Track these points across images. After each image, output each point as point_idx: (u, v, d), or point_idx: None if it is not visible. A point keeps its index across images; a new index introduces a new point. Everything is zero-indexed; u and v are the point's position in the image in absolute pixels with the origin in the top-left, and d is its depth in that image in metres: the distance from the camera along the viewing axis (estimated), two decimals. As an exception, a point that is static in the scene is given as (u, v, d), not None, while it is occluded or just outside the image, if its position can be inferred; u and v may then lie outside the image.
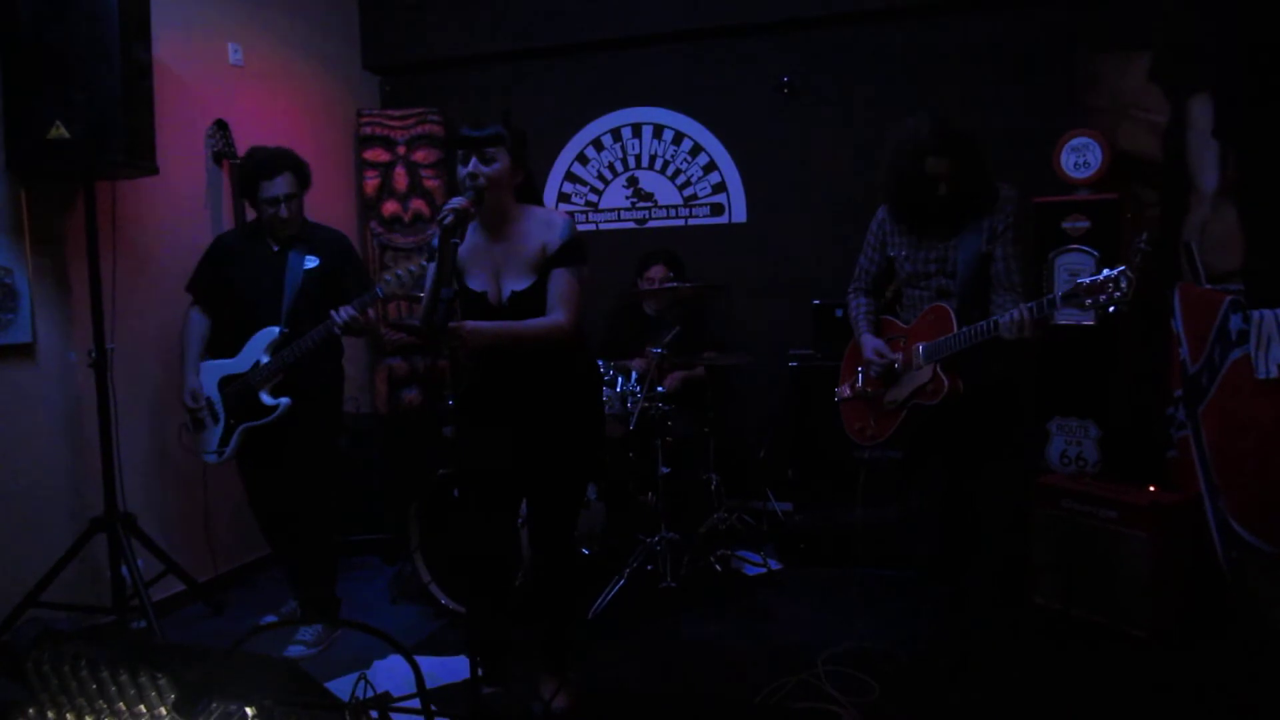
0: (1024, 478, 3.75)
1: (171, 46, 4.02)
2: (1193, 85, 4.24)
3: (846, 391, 3.35)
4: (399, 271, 3.08)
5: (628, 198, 5.41)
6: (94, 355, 3.49)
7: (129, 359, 3.79)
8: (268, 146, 3.56)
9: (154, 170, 3.54)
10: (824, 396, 3.59)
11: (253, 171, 3.46)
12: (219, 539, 4.24)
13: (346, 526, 4.52)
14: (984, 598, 3.29)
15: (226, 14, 4.47)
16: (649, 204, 5.38)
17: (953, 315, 2.97)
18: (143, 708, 1.55)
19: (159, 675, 1.55)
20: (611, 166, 5.43)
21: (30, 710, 1.60)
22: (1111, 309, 2.55)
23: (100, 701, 1.58)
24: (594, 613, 3.76)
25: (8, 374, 3.42)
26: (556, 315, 2.73)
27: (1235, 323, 3.33)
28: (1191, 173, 4.27)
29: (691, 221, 5.31)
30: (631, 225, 5.40)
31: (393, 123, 5.36)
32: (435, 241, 2.55)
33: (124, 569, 3.46)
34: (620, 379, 4.21)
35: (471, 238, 2.81)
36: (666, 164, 5.34)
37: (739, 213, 5.22)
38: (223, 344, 3.60)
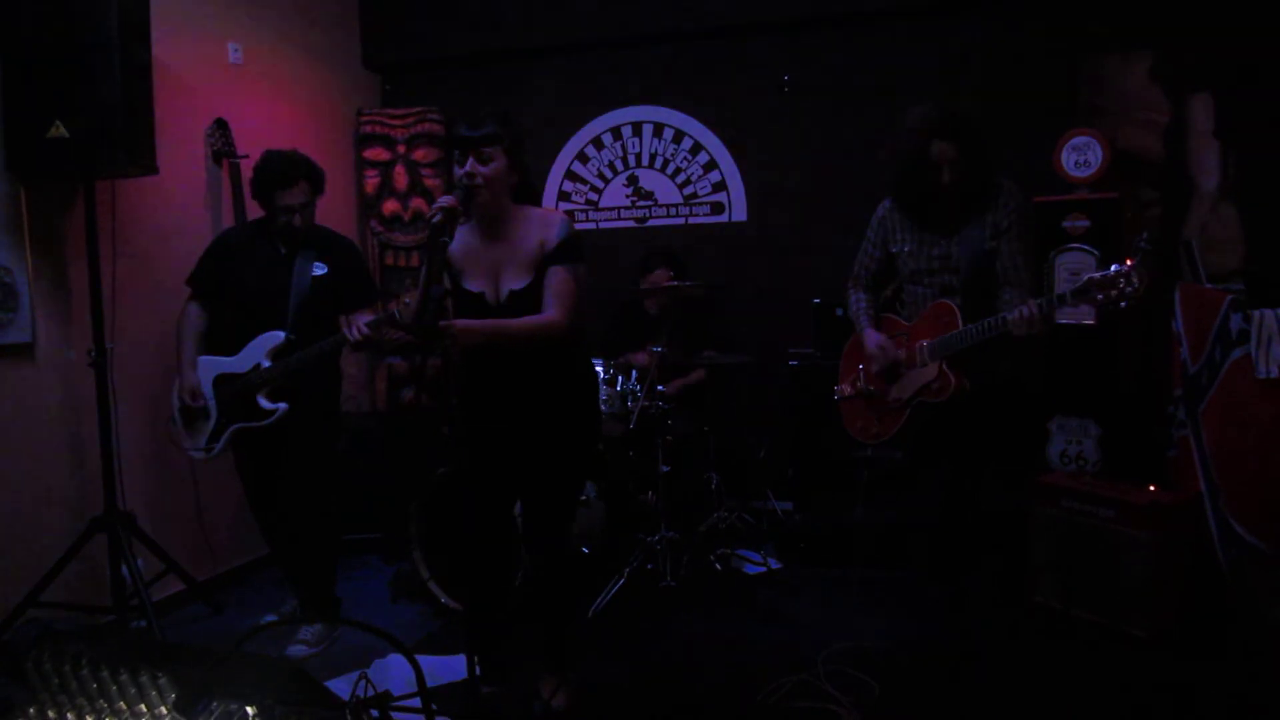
0: (1025, 477, 3.75)
1: (171, 45, 4.01)
2: (1194, 85, 4.24)
3: (847, 390, 3.34)
4: (408, 301, 3.00)
5: (628, 196, 5.41)
6: (94, 355, 3.48)
7: (129, 358, 3.78)
8: (282, 151, 3.48)
9: (154, 169, 3.53)
10: (824, 395, 3.59)
11: (269, 179, 3.41)
12: (218, 538, 4.24)
13: (346, 526, 4.51)
14: (984, 598, 3.28)
15: (226, 13, 4.47)
16: (649, 203, 5.38)
17: (957, 312, 2.96)
18: (143, 707, 1.55)
19: (159, 675, 1.55)
20: (612, 165, 5.43)
21: (30, 710, 1.60)
22: (1123, 304, 2.54)
23: (100, 701, 1.58)
24: (594, 611, 3.76)
25: (7, 374, 3.42)
26: (550, 312, 2.72)
27: (1235, 322, 3.33)
28: (1192, 172, 4.28)
29: (691, 220, 5.31)
30: (631, 224, 5.40)
31: (393, 121, 5.36)
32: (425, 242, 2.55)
33: (124, 568, 3.46)
34: (620, 378, 4.21)
35: (467, 239, 2.80)
36: (667, 162, 5.34)
37: (739, 211, 5.22)
38: (220, 341, 3.57)
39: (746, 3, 4.93)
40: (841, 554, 4.18)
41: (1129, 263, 2.53)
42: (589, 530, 3.95)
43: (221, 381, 3.50)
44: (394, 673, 3.22)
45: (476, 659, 2.49)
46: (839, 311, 4.38)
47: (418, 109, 5.38)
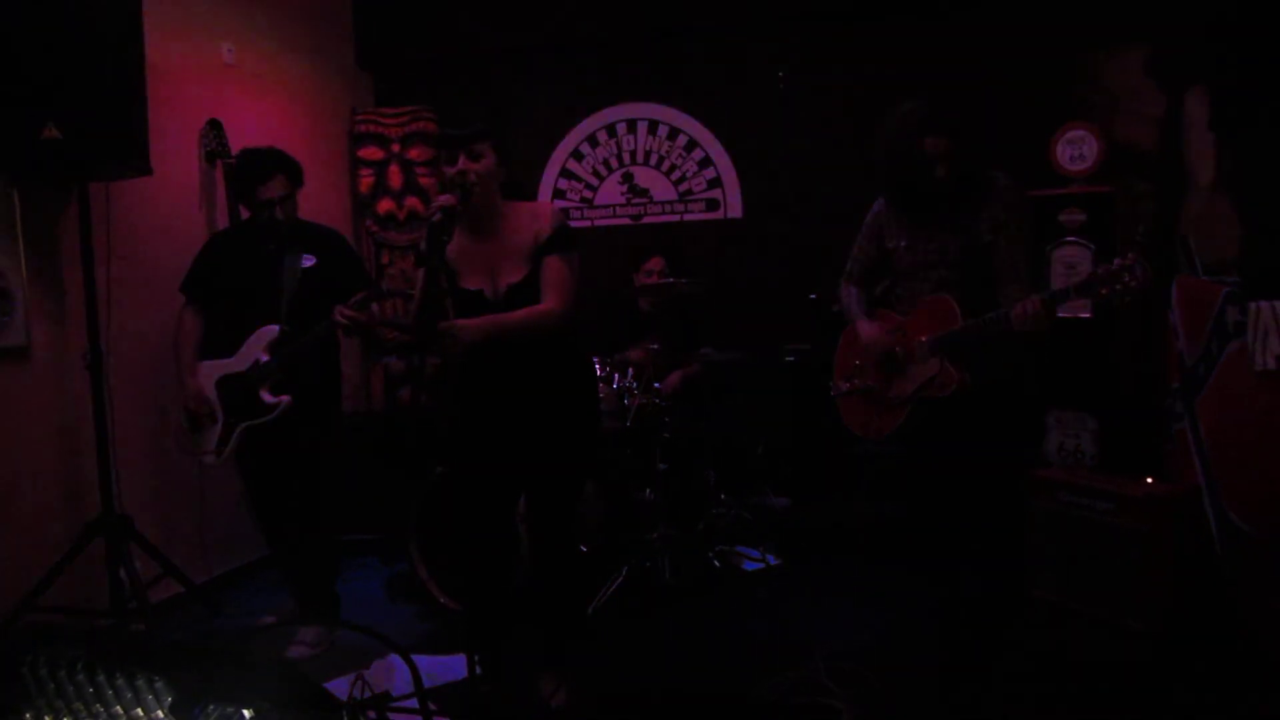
0: (1022, 470, 3.75)
1: (164, 46, 4.00)
2: (1189, 78, 4.24)
3: (844, 386, 3.32)
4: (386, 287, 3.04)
5: (623, 194, 5.41)
6: (89, 357, 3.48)
7: (124, 360, 3.78)
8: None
9: (148, 170, 3.52)
10: (821, 391, 3.58)
11: (246, 175, 3.46)
12: (216, 541, 4.23)
13: (344, 526, 4.51)
14: (982, 592, 3.28)
15: (219, 13, 4.46)
16: (644, 200, 5.38)
17: (956, 307, 2.95)
18: (140, 711, 1.54)
19: (156, 678, 1.54)
20: (606, 162, 5.42)
21: (27, 714, 1.59)
22: (1126, 299, 2.52)
23: (98, 705, 1.57)
24: (593, 609, 3.76)
25: (2, 377, 3.41)
26: (547, 302, 2.74)
27: (1232, 314, 3.33)
28: (1187, 165, 4.27)
29: (687, 217, 5.31)
30: (627, 221, 5.40)
31: (387, 120, 5.36)
32: (424, 243, 2.55)
33: (121, 571, 3.45)
34: (617, 375, 4.20)
35: (460, 239, 2.80)
36: (662, 159, 5.33)
37: (734, 208, 5.21)
38: (218, 344, 3.58)
39: (740, -1, 4.94)
40: (840, 549, 4.18)
41: (1132, 257, 2.51)
42: (588, 528, 3.95)
43: (224, 383, 3.51)
44: (393, 673, 3.22)
45: (476, 658, 2.49)
46: (835, 307, 4.38)
47: (412, 108, 5.37)
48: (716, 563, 4.19)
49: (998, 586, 3.32)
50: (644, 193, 5.38)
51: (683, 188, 5.31)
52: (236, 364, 3.49)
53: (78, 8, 3.20)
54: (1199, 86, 4.21)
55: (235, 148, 4.19)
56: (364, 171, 5.33)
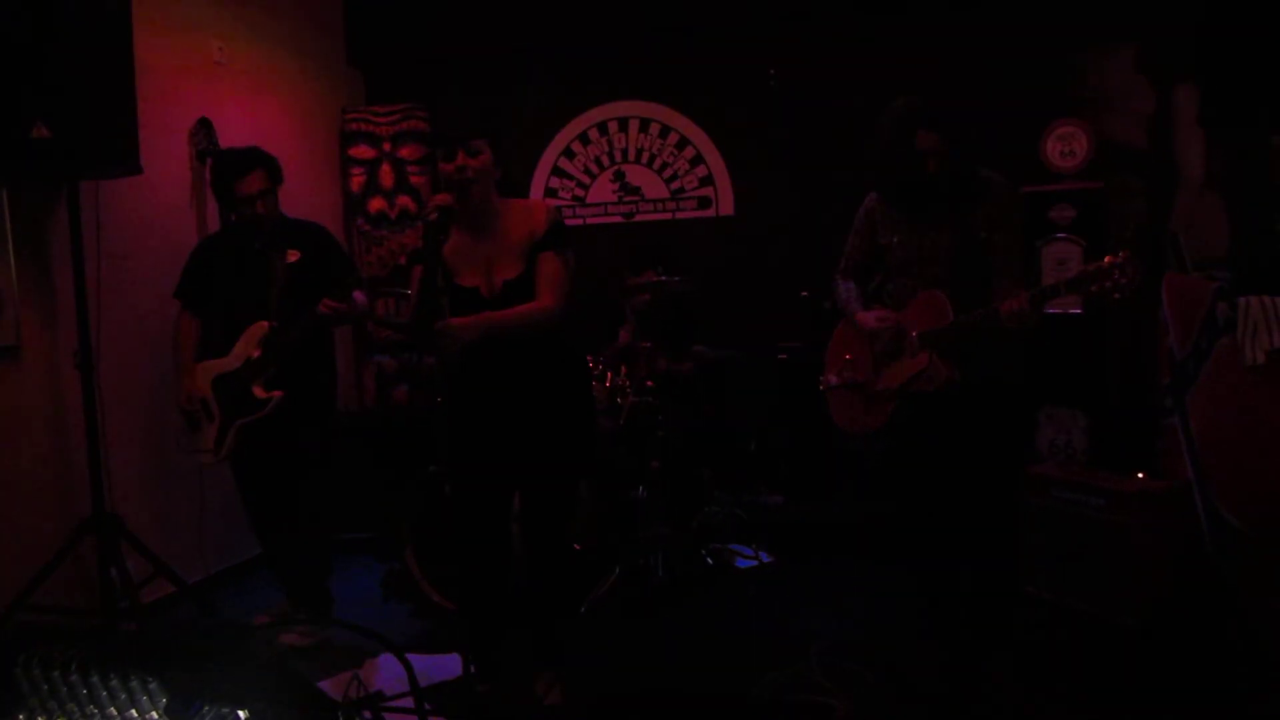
0: (1015, 467, 3.76)
1: (154, 44, 3.98)
2: (1178, 74, 4.25)
3: (834, 380, 3.31)
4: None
5: (615, 192, 5.40)
6: (79, 356, 3.46)
7: (115, 359, 3.76)
8: (236, 148, 3.60)
9: (138, 169, 3.51)
10: (814, 388, 3.58)
11: (225, 174, 3.49)
12: (209, 540, 4.21)
13: (338, 524, 4.49)
14: (975, 588, 3.29)
15: (209, 11, 4.43)
16: (636, 198, 5.37)
17: (948, 302, 2.95)
18: (134, 712, 1.54)
19: (150, 679, 1.54)
20: (598, 161, 5.42)
21: (20, 716, 1.58)
22: (1116, 295, 2.52)
23: (90, 706, 1.56)
24: (586, 608, 3.76)
25: (-7, 377, 3.40)
26: (542, 299, 2.75)
27: (1222, 310, 3.34)
28: (1177, 161, 4.29)
29: (679, 215, 5.31)
30: (619, 219, 5.39)
31: (378, 119, 5.34)
32: (421, 241, 2.56)
33: (113, 571, 3.44)
34: (610, 374, 4.20)
35: (457, 237, 2.80)
36: (653, 158, 5.33)
37: (726, 205, 5.21)
38: (213, 346, 3.59)
39: (732, -4, 4.93)
40: (834, 547, 4.19)
41: (1123, 255, 2.52)
42: (581, 526, 3.94)
43: (220, 383, 3.51)
44: (387, 672, 3.22)
45: (471, 657, 2.48)
46: (827, 304, 4.38)
47: (403, 106, 5.36)
48: (710, 561, 4.19)
49: (991, 583, 3.33)
50: (636, 191, 5.37)
51: (674, 185, 5.31)
52: (230, 362, 3.50)
53: (67, 7, 3.18)
54: (1189, 83, 4.23)
55: (225, 146, 4.18)
56: (355, 170, 5.32)
